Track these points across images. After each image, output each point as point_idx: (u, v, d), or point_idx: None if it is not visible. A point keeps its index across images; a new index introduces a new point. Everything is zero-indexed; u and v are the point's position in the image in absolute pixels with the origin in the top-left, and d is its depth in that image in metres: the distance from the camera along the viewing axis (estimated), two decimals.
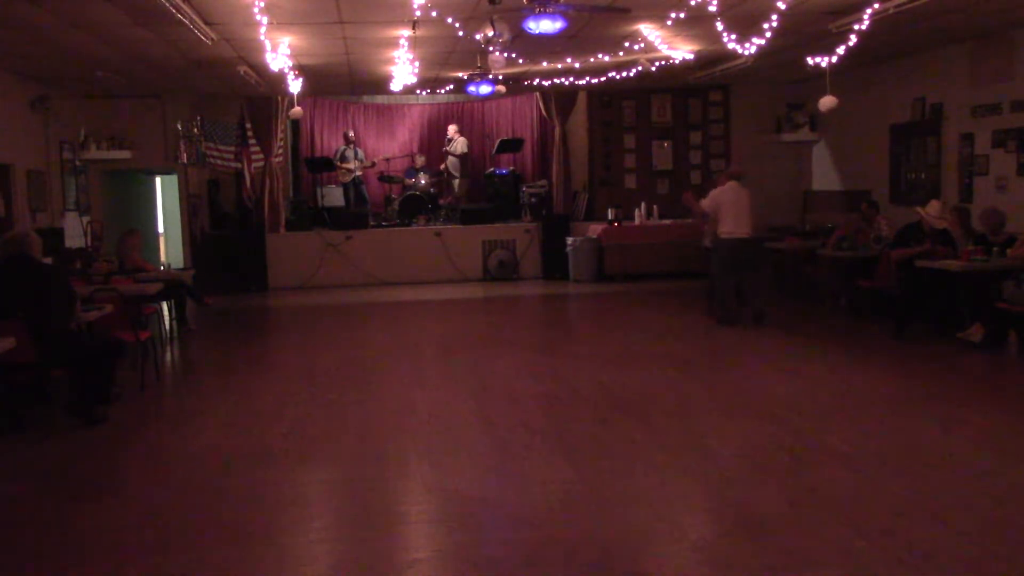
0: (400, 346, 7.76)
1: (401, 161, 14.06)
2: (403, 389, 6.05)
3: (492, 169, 13.54)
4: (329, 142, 13.97)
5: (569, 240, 11.99)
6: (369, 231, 12.37)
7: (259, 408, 5.60)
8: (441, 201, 13.44)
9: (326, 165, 13.06)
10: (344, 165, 13.19)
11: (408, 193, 13.12)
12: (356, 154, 13.31)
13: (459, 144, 13.59)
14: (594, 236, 11.82)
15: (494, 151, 13.49)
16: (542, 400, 5.58)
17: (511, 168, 13.56)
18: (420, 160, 13.75)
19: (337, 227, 12.23)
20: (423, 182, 13.33)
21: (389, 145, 14.33)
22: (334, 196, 13.05)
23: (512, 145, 13.40)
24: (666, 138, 12.79)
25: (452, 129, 13.75)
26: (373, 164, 13.53)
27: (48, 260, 6.15)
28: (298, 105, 10.11)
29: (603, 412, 5.25)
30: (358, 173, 13.28)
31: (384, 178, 13.62)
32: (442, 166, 13.71)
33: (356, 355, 7.36)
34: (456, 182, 13.63)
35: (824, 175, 12.19)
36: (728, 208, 7.97)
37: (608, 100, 12.66)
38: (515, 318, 9.59)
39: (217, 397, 5.98)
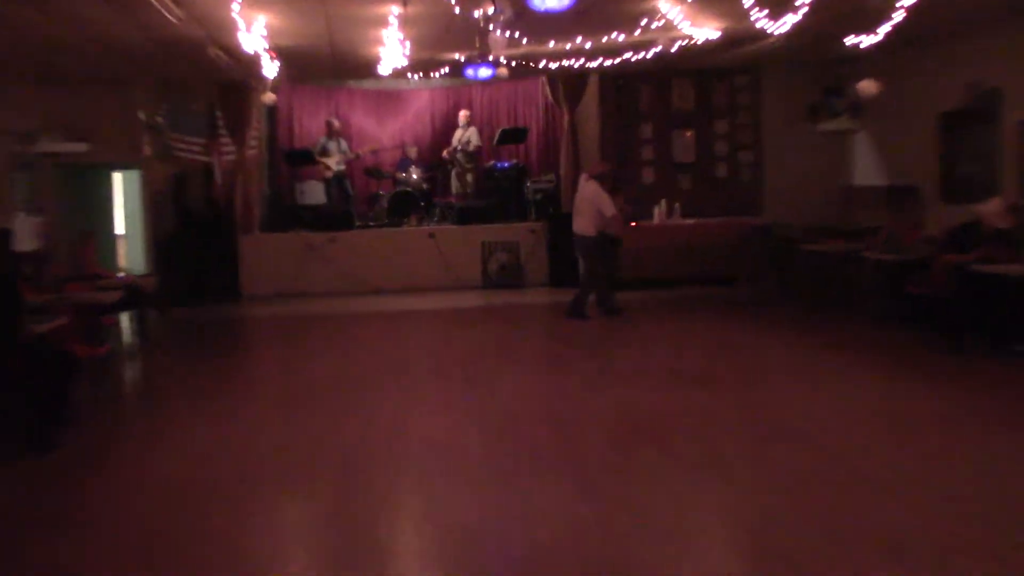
0: (390, 362, 7.78)
1: (390, 153, 14.09)
2: (393, 411, 6.06)
3: (493, 162, 13.56)
4: (311, 132, 14.02)
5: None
6: (354, 232, 12.40)
7: (231, 432, 5.61)
8: (437, 199, 13.46)
9: (306, 158, 13.12)
10: (324, 159, 13.22)
11: (398, 189, 13.14)
12: (339, 146, 13.32)
13: (473, 136, 13.60)
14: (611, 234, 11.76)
15: (495, 142, 13.51)
16: (550, 422, 5.59)
17: (514, 161, 13.59)
18: (412, 151, 13.78)
19: (319, 228, 12.26)
20: (415, 177, 13.36)
21: (378, 136, 14.37)
22: (315, 193, 13.09)
23: (515, 135, 13.41)
24: (688, 127, 12.80)
25: (464, 116, 13.75)
26: (358, 156, 13.54)
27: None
28: (276, 91, 10.14)
29: (618, 436, 5.26)
30: (341, 167, 13.32)
31: (371, 172, 13.64)
32: (445, 153, 13.72)
33: (340, 372, 7.38)
34: (467, 177, 13.64)
35: (866, 169, 12.18)
36: (578, 204, 9.52)
37: (623, 84, 12.66)
38: (519, 330, 9.59)
39: (184, 421, 5.99)
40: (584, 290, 9.56)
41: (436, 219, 12.95)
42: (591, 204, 9.34)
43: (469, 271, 12.33)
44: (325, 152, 13.25)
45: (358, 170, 13.87)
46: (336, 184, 13.30)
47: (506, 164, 13.43)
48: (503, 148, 13.67)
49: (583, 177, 9.74)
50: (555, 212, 12.70)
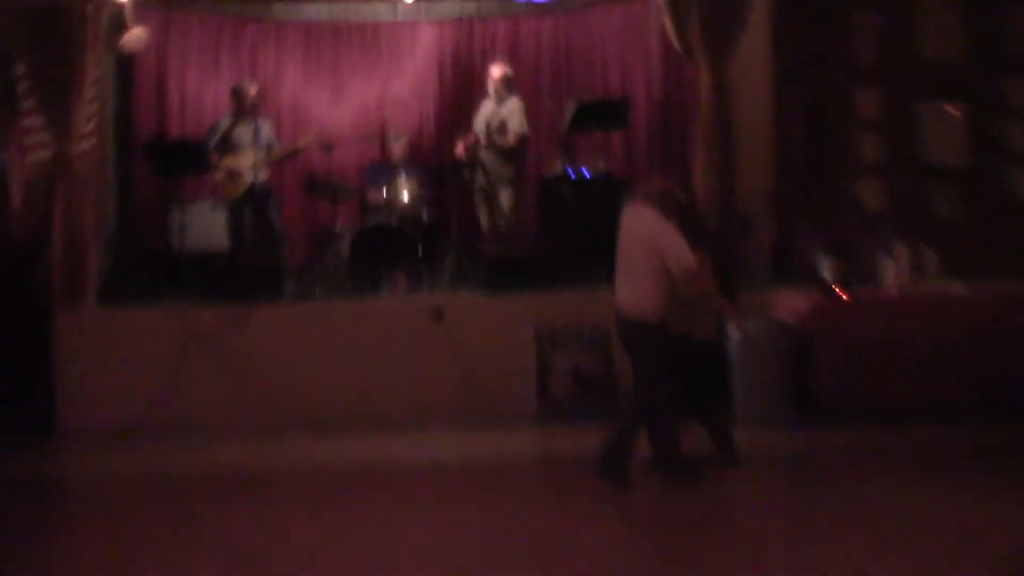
0: None
1: (357, 149, 14.43)
2: None
3: (560, 166, 13.72)
4: (202, 107, 14.62)
5: (731, 328, 11.69)
6: (284, 308, 12.48)
7: None
8: (447, 240, 13.45)
9: (192, 159, 13.20)
10: (229, 161, 13.39)
11: (371, 223, 13.28)
12: (258, 133, 13.49)
13: (514, 114, 13.83)
14: (790, 318, 11.70)
15: (565, 127, 13.74)
16: None
17: (600, 165, 13.69)
18: (399, 145, 14.03)
19: (214, 298, 12.34)
20: (404, 197, 13.46)
21: (332, 115, 14.84)
22: (208, 227, 13.34)
23: (604, 114, 13.58)
24: (953, 95, 12.83)
25: (499, 75, 14.00)
26: (294, 154, 13.89)
27: None
28: (137, 27, 10.11)
29: None
30: (259, 178, 13.43)
31: (318, 188, 13.78)
32: (461, 148, 13.92)
33: None
34: (504, 196, 13.91)
35: None
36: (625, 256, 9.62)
37: (819, 14, 12.84)
38: (614, 516, 9.32)
39: None
40: (629, 425, 9.47)
41: (446, 281, 12.98)
42: (649, 251, 9.21)
43: (511, 387, 12.25)
44: (229, 145, 13.41)
45: (293, 182, 14.26)
46: (252, 210, 13.56)
47: (585, 172, 13.55)
48: (579, 139, 13.95)
49: (631, 205, 9.63)
50: None
